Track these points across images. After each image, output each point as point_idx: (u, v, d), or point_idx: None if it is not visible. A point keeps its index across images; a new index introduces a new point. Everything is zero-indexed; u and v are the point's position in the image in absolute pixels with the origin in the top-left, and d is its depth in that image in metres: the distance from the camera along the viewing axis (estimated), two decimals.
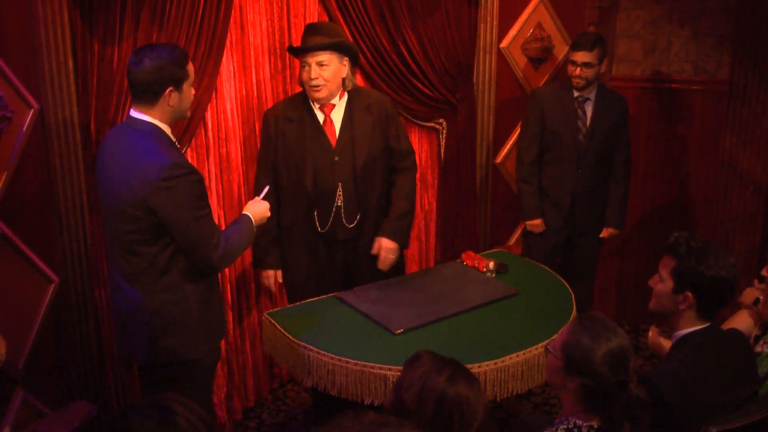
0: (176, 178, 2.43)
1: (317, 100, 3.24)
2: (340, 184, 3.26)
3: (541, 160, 3.97)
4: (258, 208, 2.82)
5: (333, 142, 3.27)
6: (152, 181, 2.41)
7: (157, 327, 2.56)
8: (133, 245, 2.51)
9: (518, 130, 4.20)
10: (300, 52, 3.19)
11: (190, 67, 2.57)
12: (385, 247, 3.33)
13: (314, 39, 3.15)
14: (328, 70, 3.15)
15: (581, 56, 3.76)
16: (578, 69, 3.78)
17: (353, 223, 3.32)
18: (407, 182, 3.43)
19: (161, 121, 2.53)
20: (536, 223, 3.99)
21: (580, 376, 1.99)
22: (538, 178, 3.98)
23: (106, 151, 2.59)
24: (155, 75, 2.46)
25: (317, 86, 3.16)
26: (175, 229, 2.48)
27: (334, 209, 3.28)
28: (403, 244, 3.40)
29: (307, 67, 3.15)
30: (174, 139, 2.61)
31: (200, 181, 2.52)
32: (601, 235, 4.05)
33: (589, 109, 3.89)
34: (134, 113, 2.53)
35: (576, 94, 3.87)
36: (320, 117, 3.27)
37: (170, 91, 2.49)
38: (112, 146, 2.56)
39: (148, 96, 2.49)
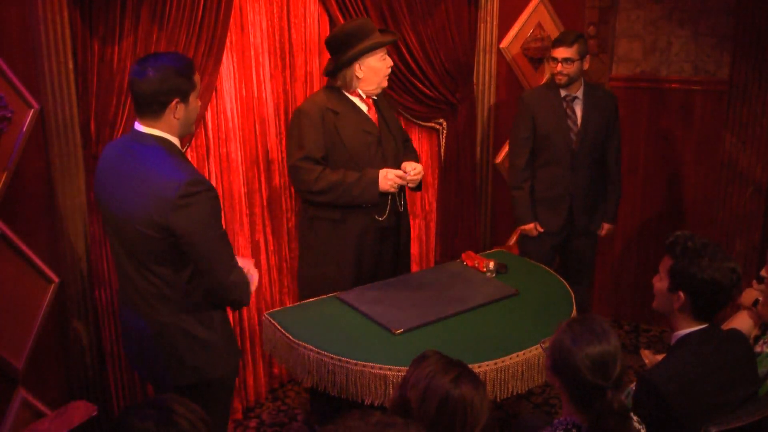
0: (195, 195, 2.30)
1: (378, 91, 3.37)
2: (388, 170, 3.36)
3: (534, 163, 3.97)
4: (255, 278, 2.67)
5: (378, 131, 3.38)
6: (170, 199, 2.27)
7: (183, 347, 2.46)
8: (152, 266, 2.39)
9: None
10: (386, 44, 3.33)
11: (197, 78, 2.44)
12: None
13: (387, 35, 3.35)
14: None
15: (561, 52, 3.78)
16: (559, 65, 3.78)
17: (402, 209, 3.47)
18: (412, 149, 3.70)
19: (170, 133, 2.40)
20: (530, 228, 3.99)
21: (559, 377, 2.02)
22: (531, 181, 3.97)
23: (109, 168, 2.46)
24: (160, 86, 2.32)
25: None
26: (191, 247, 2.34)
27: (390, 196, 3.36)
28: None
29: (387, 59, 3.33)
30: (183, 151, 2.50)
31: (217, 197, 2.40)
32: (599, 232, 4.06)
33: (578, 108, 3.89)
34: (140, 127, 2.40)
35: (564, 93, 3.88)
36: (363, 108, 3.37)
37: (176, 102, 2.35)
38: (118, 164, 2.43)
39: (153, 109, 2.35)
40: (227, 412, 2.79)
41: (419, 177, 3.37)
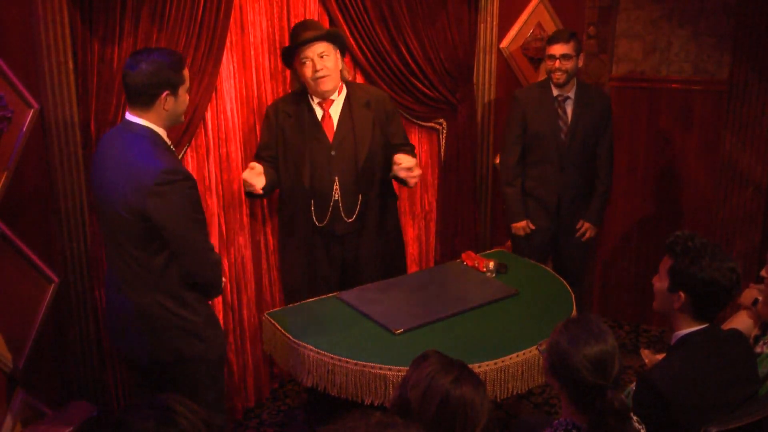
0: (171, 183, 2.41)
1: (324, 93, 3.28)
2: (336, 178, 3.29)
3: (524, 161, 3.97)
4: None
5: (330, 137, 3.31)
6: (147, 185, 2.39)
7: (160, 327, 2.56)
8: (130, 249, 2.51)
9: None
10: (299, 47, 3.22)
11: (186, 72, 2.58)
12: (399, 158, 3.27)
13: (308, 33, 3.20)
14: (329, 60, 3.23)
15: (558, 48, 3.78)
16: (557, 62, 3.78)
17: (352, 217, 3.33)
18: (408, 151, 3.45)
19: (157, 124, 2.53)
20: (521, 225, 3.99)
21: (559, 379, 2.02)
22: (522, 179, 3.98)
23: (101, 154, 2.58)
24: (151, 79, 2.45)
25: (323, 76, 3.22)
26: (169, 234, 2.47)
27: (331, 203, 3.30)
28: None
29: (308, 62, 3.21)
30: (170, 143, 2.61)
31: (195, 187, 2.52)
32: (577, 227, 4.04)
33: (569, 108, 3.90)
34: (130, 116, 2.53)
35: (556, 93, 3.88)
36: (319, 113, 3.32)
37: (166, 95, 2.49)
38: (108, 150, 2.56)
39: (143, 99, 2.48)
40: (220, 390, 2.80)
41: (412, 173, 3.21)
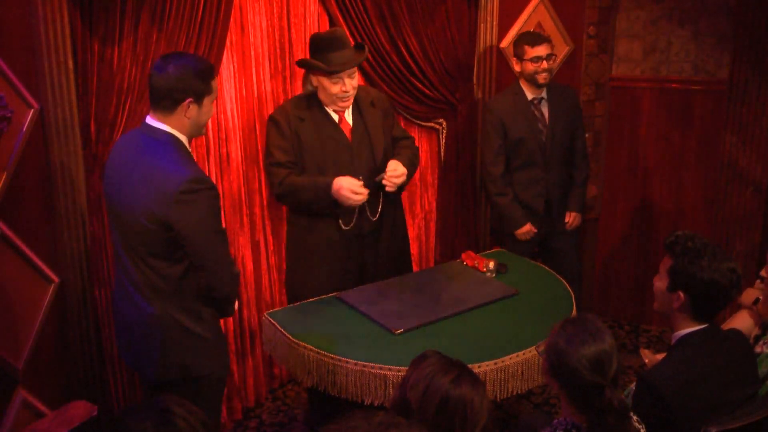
0: (197, 192, 2.36)
1: (344, 108, 3.29)
2: (360, 178, 3.27)
3: (508, 168, 3.98)
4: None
5: (349, 138, 3.32)
6: (172, 193, 2.33)
7: (171, 341, 2.50)
8: (147, 258, 2.45)
9: None
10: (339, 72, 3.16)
11: (215, 84, 2.52)
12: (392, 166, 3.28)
13: (344, 53, 3.16)
14: (356, 79, 3.25)
15: (544, 49, 3.80)
16: (544, 62, 3.80)
17: (376, 215, 3.36)
18: (409, 146, 3.50)
19: (179, 131, 2.46)
20: (525, 230, 4.00)
21: (558, 379, 2.03)
22: (511, 186, 3.99)
23: (119, 158, 2.52)
24: (177, 83, 2.39)
25: (349, 96, 3.24)
26: (191, 244, 2.40)
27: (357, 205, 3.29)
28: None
29: (340, 82, 3.18)
30: (190, 151, 2.55)
31: (218, 197, 2.46)
32: (565, 220, 4.07)
33: (545, 109, 3.93)
34: (151, 121, 2.47)
35: (531, 96, 3.91)
36: (335, 116, 3.32)
37: (189, 102, 2.42)
38: (126, 154, 2.50)
39: (166, 104, 2.42)
40: (218, 409, 2.80)
41: (397, 180, 3.24)
